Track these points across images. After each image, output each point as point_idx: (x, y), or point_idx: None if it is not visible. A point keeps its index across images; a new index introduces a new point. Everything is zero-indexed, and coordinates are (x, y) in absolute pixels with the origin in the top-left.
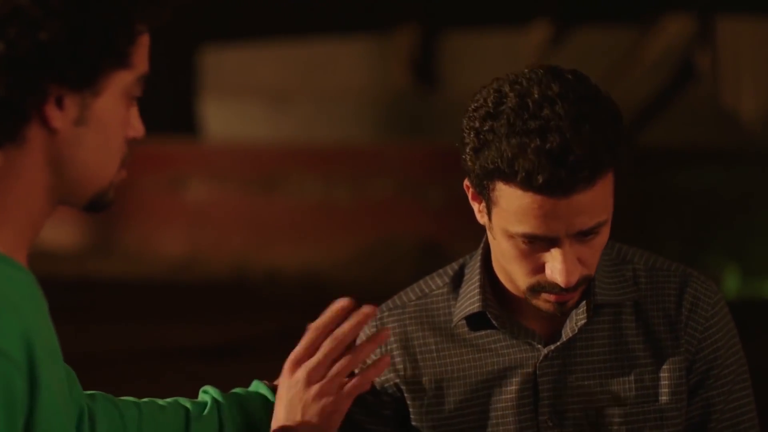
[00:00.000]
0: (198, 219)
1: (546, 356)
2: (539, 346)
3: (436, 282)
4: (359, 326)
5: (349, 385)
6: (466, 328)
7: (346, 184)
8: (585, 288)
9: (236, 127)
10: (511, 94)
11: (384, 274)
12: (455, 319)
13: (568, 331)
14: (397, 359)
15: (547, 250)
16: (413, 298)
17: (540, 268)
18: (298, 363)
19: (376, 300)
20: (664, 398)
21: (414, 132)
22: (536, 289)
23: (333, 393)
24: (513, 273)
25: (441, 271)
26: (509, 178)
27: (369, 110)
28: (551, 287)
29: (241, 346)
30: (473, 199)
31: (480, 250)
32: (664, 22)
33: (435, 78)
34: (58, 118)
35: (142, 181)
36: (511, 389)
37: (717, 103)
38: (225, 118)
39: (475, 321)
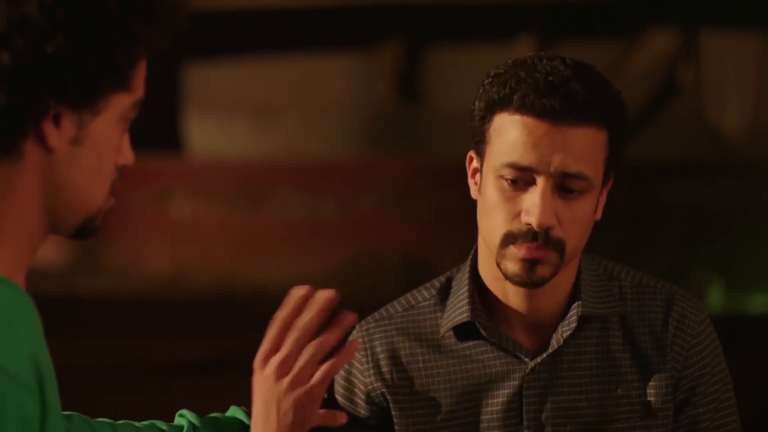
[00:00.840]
0: (183, 234)
1: (533, 369)
2: (526, 359)
3: (423, 294)
4: (321, 313)
5: (320, 371)
6: (453, 339)
7: (331, 199)
8: (570, 295)
9: (222, 143)
10: (529, 55)
11: (370, 289)
12: (443, 330)
13: (554, 343)
14: (384, 369)
15: (527, 191)
16: (400, 309)
17: (517, 215)
18: (266, 358)
19: (362, 314)
20: (649, 415)
21: (399, 147)
22: (508, 241)
23: (305, 382)
24: (492, 226)
25: (428, 284)
26: (506, 104)
27: (354, 125)
28: (523, 235)
29: (226, 361)
30: (472, 175)
31: (468, 262)
32: (648, 37)
33: (420, 93)
34: (55, 136)
35: (127, 197)
36: (497, 401)
37: (701, 118)
38: (210, 133)
39: (463, 331)
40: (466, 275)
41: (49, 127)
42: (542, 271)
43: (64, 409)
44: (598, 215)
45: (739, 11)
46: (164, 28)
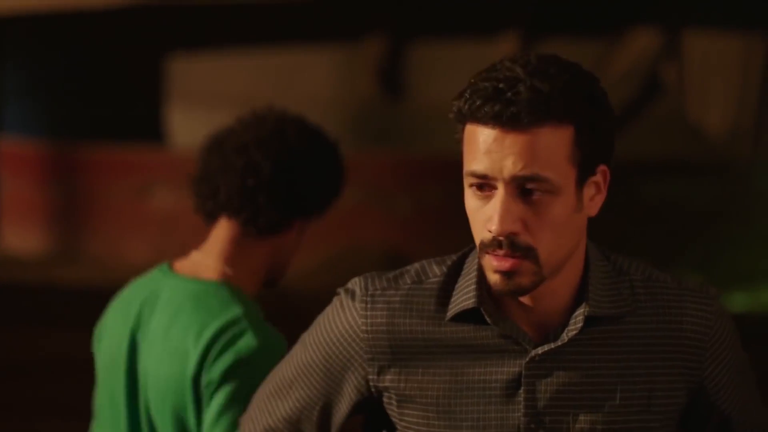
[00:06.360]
0: (165, 227)
1: (532, 359)
2: (528, 347)
3: (434, 270)
4: None
5: None
6: (458, 323)
7: None
8: (576, 293)
9: (203, 136)
10: (503, 58)
11: None
12: (449, 313)
13: (558, 342)
14: (384, 343)
15: (491, 200)
16: (408, 282)
17: (485, 224)
18: None
19: None
20: (649, 410)
21: (382, 141)
22: (482, 250)
23: None
24: (474, 236)
25: (440, 259)
26: (465, 114)
27: (337, 120)
28: (490, 244)
29: None
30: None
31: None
32: (632, 36)
33: (403, 88)
34: None
35: (109, 189)
36: (496, 387)
37: (684, 117)
38: (193, 126)
39: (468, 316)
40: (476, 261)
41: None
42: (519, 280)
43: (43, 401)
44: (593, 212)
45: (723, 11)
46: None
